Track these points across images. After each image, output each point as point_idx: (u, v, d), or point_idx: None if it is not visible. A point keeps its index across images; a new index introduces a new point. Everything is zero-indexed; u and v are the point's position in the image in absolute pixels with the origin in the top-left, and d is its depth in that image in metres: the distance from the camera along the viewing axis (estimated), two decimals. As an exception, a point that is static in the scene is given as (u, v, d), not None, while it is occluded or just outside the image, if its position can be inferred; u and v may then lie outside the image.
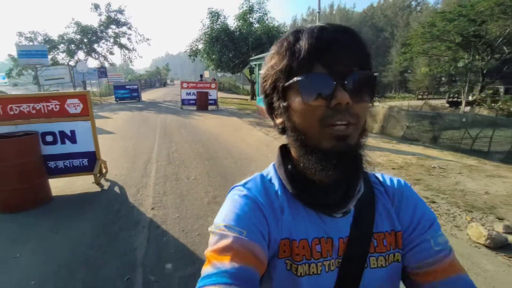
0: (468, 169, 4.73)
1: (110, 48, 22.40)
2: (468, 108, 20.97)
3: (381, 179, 0.56)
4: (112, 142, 6.29)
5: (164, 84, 47.81)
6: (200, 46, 19.86)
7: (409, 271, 0.49)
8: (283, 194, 0.50)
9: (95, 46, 21.40)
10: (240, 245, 0.42)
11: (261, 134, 7.69)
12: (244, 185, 0.52)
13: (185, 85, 13.40)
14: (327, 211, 0.48)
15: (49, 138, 3.68)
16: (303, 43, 0.42)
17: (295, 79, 0.42)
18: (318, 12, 9.24)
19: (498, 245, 2.53)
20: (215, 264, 0.41)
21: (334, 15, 61.14)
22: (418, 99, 27.27)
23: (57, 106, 3.67)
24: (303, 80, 0.41)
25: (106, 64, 23.40)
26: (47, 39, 19.46)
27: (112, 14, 20.78)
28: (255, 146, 6.21)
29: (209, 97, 13.04)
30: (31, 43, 19.14)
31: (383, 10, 57.62)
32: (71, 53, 20.62)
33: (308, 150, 0.45)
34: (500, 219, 3.02)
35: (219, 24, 19.00)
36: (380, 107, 10.26)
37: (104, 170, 4.15)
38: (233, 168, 4.64)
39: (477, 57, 22.42)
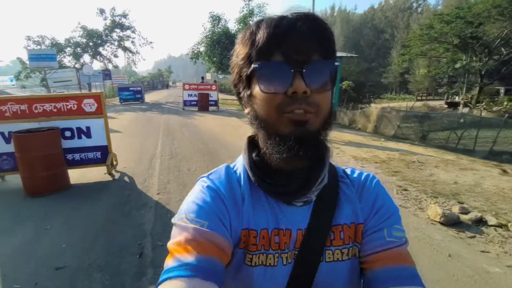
0: (445, 163, 5.19)
1: (115, 51, 23.11)
2: (466, 109, 21.28)
3: (349, 172, 0.56)
4: (119, 140, 6.81)
5: (167, 86, 48.63)
6: (202, 49, 20.46)
7: (360, 260, 0.49)
8: (246, 183, 0.51)
9: (100, 49, 22.11)
10: (202, 236, 0.43)
11: (258, 132, 8.18)
12: (208, 176, 0.53)
13: (187, 86, 13.95)
14: (287, 200, 0.48)
15: (67, 134, 4.21)
16: (262, 32, 0.42)
17: (253, 66, 0.43)
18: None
19: (451, 222, 3.00)
20: (177, 257, 0.41)
21: (335, 17, 61.55)
22: (417, 100, 27.68)
23: (75, 105, 4.20)
24: (260, 68, 0.42)
25: (110, 67, 24.09)
26: (54, 42, 20.17)
27: (117, 18, 21.48)
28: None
29: (210, 98, 13.57)
30: (38, 47, 19.85)
31: (383, 11, 58.08)
32: (77, 56, 21.32)
33: (268, 136, 0.45)
34: (460, 203, 3.48)
35: (220, 28, 19.60)
36: (373, 107, 10.71)
37: (115, 162, 4.67)
38: (229, 162, 5.13)
39: (474, 58, 22.76)
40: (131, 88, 17.23)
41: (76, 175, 4.34)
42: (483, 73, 23.25)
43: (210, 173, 0.54)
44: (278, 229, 0.48)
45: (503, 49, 22.69)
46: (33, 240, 2.69)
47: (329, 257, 0.48)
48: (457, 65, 22.94)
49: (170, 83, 56.57)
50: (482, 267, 2.30)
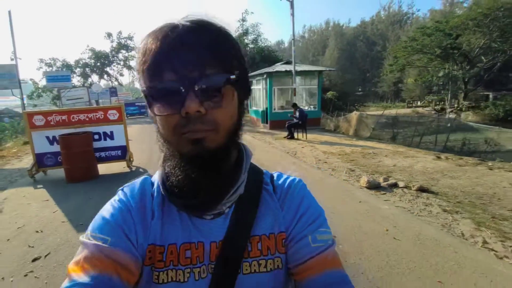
0: (394, 154, 6.47)
1: (120, 70, 24.91)
2: (454, 115, 22.58)
3: (275, 178, 0.55)
4: (131, 145, 8.14)
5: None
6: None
7: (290, 271, 0.48)
8: (159, 196, 0.49)
9: (107, 69, 23.92)
10: (102, 253, 0.41)
11: (249, 137, 9.52)
12: (123, 188, 0.52)
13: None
14: (197, 213, 0.47)
15: (96, 136, 5.55)
16: (150, 47, 0.39)
17: (143, 89, 0.41)
18: (293, 39, 11.23)
19: (373, 186, 4.25)
20: (71, 276, 0.40)
21: (329, 31, 64.23)
22: (408, 107, 29.08)
23: (102, 115, 5.57)
24: (149, 90, 0.40)
25: (116, 84, 25.83)
26: (65, 64, 21.98)
27: (123, 41, 23.39)
28: (241, 145, 8.04)
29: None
30: (50, 68, 21.64)
31: (375, 24, 60.75)
32: (85, 76, 23.09)
33: (171, 154, 0.45)
34: (388, 176, 4.73)
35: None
36: (353, 114, 12.05)
37: (132, 159, 5.98)
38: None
39: (455, 67, 24.32)
40: (136, 104, 18.81)
41: (103, 168, 5.65)
42: (466, 80, 24.79)
43: (126, 185, 0.52)
44: (189, 243, 0.46)
45: (483, 58, 24.30)
46: (83, 204, 3.98)
47: (246, 269, 0.46)
48: (440, 74, 24.51)
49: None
50: (378, 206, 3.56)
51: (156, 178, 0.53)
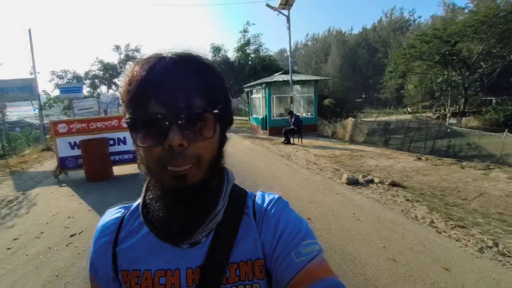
0: (379, 155, 7.12)
1: (127, 81, 26.06)
2: (454, 120, 23.01)
3: (255, 200, 0.54)
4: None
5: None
6: (205, 76, 23.20)
7: None
8: (137, 222, 0.51)
9: (115, 79, 25.12)
10: (94, 285, 0.52)
11: (248, 143, 10.27)
12: (108, 211, 0.57)
13: (191, 109, 16.32)
14: (173, 242, 0.47)
15: (111, 142, 6.35)
16: (136, 78, 0.40)
17: (126, 119, 0.42)
18: (290, 51, 12.05)
19: (352, 182, 4.92)
20: None
21: (331, 39, 65.41)
22: (409, 113, 29.64)
23: (116, 123, 6.38)
24: (133, 121, 0.41)
25: (123, 94, 26.93)
26: (75, 75, 23.24)
27: (130, 53, 24.64)
28: (240, 149, 8.78)
29: (212, 118, 15.84)
30: (61, 80, 22.89)
31: (377, 31, 61.82)
32: (94, 87, 24.30)
33: (154, 184, 0.47)
34: (368, 174, 5.39)
35: (220, 57, 22.42)
36: (349, 120, 12.72)
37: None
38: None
39: (454, 73, 24.88)
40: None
41: (117, 170, 6.42)
42: (466, 86, 25.28)
43: (100, 220, 0.55)
44: (164, 270, 0.47)
45: (482, 63, 24.84)
46: (103, 198, 4.74)
47: None
48: (439, 80, 25.09)
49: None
50: (352, 197, 4.23)
51: (135, 205, 0.54)
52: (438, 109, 28.43)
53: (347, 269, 2.47)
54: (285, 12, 11.12)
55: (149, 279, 0.47)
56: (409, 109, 25.98)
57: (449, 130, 9.11)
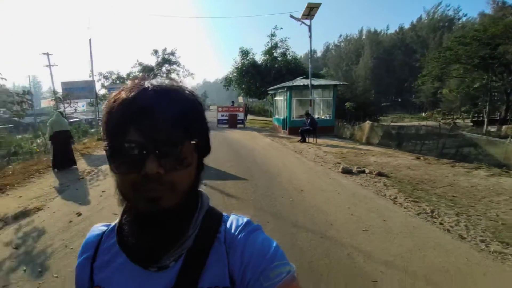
0: (381, 154, 8.19)
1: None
2: (494, 128, 22.39)
3: (228, 225, 0.54)
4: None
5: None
6: (233, 78, 25.13)
7: None
8: (113, 241, 0.53)
9: (143, 82, 27.96)
10: None
11: (269, 140, 11.74)
12: (93, 228, 0.60)
13: (220, 109, 18.20)
14: (142, 264, 0.49)
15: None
16: (119, 106, 0.43)
17: (104, 146, 0.44)
18: (310, 58, 13.28)
19: (346, 172, 6.17)
20: None
21: (363, 41, 64.60)
22: (442, 119, 28.86)
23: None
24: (110, 149, 0.44)
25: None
26: (118, 76, 26.39)
27: (166, 56, 27.33)
28: (261, 145, 10.28)
29: (238, 118, 17.56)
30: (107, 80, 26.17)
31: (416, 31, 59.88)
32: (134, 86, 27.32)
33: (127, 208, 0.51)
34: (362, 167, 6.58)
35: (248, 60, 24.17)
36: (366, 123, 13.64)
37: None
38: (243, 152, 8.71)
39: (494, 78, 24.11)
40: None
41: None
42: (509, 91, 24.35)
43: (96, 225, 0.60)
44: None
45: (527, 68, 23.81)
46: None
47: None
48: (476, 85, 24.43)
49: (210, 107, 62.53)
50: (341, 181, 5.52)
51: (113, 225, 0.57)
52: (476, 115, 27.51)
53: (316, 217, 3.84)
54: (307, 22, 12.43)
55: None
56: (423, 114, 25.57)
57: (461, 138, 9.75)
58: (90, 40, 13.79)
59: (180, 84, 0.49)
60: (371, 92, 35.88)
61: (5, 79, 6.15)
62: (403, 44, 59.82)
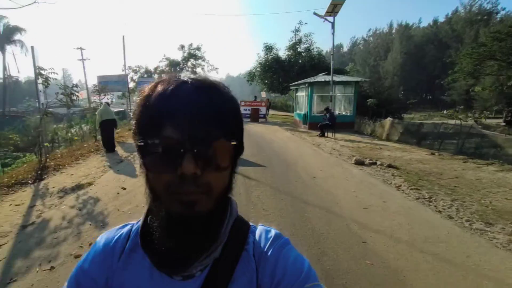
0: (396, 149, 8.56)
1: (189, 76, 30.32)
2: None
3: (256, 235, 0.54)
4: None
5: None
6: (256, 73, 25.83)
7: None
8: (135, 247, 0.51)
9: (178, 74, 29.42)
10: None
11: (289, 134, 12.38)
12: (112, 230, 0.57)
13: (242, 103, 19.00)
14: (166, 272, 0.47)
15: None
16: (156, 98, 0.41)
17: (138, 142, 0.42)
18: (332, 55, 13.61)
19: (359, 163, 6.71)
20: None
21: (393, 35, 62.43)
22: (475, 118, 27.74)
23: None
24: (146, 145, 0.41)
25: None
26: (146, 70, 28.07)
27: (192, 51, 28.59)
28: (281, 138, 10.96)
29: (260, 113, 18.29)
30: (136, 73, 27.92)
31: (451, 25, 56.87)
32: (161, 80, 28.95)
33: (158, 210, 0.45)
34: (375, 159, 7.06)
35: (271, 55, 24.73)
36: (387, 120, 13.80)
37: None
38: (263, 143, 9.45)
39: (531, 76, 22.87)
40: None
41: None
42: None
43: (114, 228, 0.57)
44: None
45: None
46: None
47: None
48: (510, 83, 23.24)
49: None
50: (351, 170, 6.09)
51: (139, 222, 0.54)
52: (510, 115, 26.17)
53: (324, 197, 4.50)
54: (331, 19, 12.79)
55: None
56: (444, 111, 24.69)
57: (475, 132, 9.79)
58: (123, 37, 15.12)
59: (220, 81, 0.47)
60: (398, 89, 34.97)
61: (57, 73, 7.19)
62: (436, 39, 57.14)
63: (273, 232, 0.54)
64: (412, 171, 6.11)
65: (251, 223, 0.57)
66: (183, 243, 0.45)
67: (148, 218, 0.50)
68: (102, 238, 0.55)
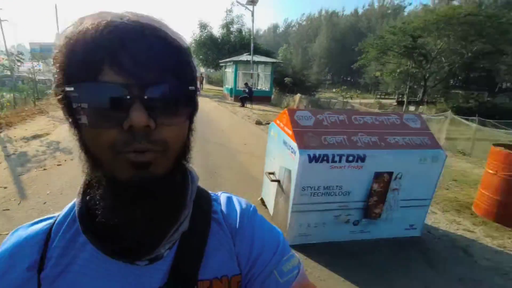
0: (292, 116, 11.67)
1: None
2: (413, 108, 27.79)
3: (223, 203, 0.49)
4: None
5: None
6: (191, 48, 26.78)
7: None
8: (71, 231, 0.40)
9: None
10: None
11: (215, 104, 14.70)
12: (21, 228, 0.42)
13: (177, 77, 20.30)
14: (127, 260, 0.38)
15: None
16: (89, 33, 0.30)
17: (66, 88, 0.31)
18: (252, 38, 16.03)
19: (258, 123, 9.43)
20: None
21: (321, 21, 68.04)
22: (376, 98, 34.56)
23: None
24: (79, 92, 0.31)
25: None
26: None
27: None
28: (208, 107, 13.19)
29: (193, 86, 19.94)
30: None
31: (368, 16, 64.84)
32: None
33: (101, 180, 0.35)
34: (271, 121, 9.89)
35: (205, 33, 25.95)
36: (297, 95, 17.11)
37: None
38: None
39: (413, 65, 29.39)
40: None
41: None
42: (426, 77, 29.91)
43: (23, 226, 0.42)
44: None
45: (443, 59, 29.41)
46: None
47: None
48: (398, 70, 29.60)
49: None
50: (249, 126, 8.77)
51: (66, 211, 0.43)
52: (400, 96, 33.26)
53: (223, 139, 6.98)
54: (251, 7, 15.00)
55: None
56: (333, 90, 31.35)
57: (349, 107, 13.74)
58: (55, 5, 14.73)
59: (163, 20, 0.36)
60: (324, 70, 39.56)
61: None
62: (356, 27, 64.66)
63: (239, 200, 0.50)
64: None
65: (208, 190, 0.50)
66: (140, 219, 0.35)
67: (86, 194, 0.40)
68: (12, 246, 0.40)
